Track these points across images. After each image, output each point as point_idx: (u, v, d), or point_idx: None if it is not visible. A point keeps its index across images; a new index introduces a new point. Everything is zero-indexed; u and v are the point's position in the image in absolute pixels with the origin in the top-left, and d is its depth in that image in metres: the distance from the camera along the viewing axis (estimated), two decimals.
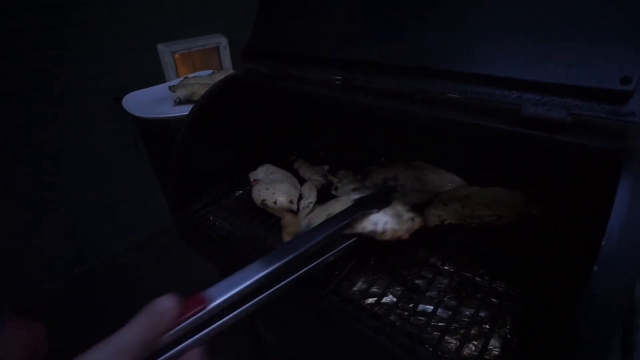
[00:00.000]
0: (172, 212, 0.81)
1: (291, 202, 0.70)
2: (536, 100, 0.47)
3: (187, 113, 0.71)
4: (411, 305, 0.55)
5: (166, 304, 0.29)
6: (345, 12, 0.65)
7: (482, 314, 0.53)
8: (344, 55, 0.63)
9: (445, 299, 0.55)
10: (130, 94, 1.15)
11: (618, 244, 0.36)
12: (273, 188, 0.70)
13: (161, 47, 1.46)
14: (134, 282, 1.61)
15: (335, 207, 0.57)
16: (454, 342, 0.49)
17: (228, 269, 0.82)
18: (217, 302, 0.32)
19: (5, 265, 1.38)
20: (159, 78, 1.48)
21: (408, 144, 0.81)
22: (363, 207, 0.54)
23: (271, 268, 0.39)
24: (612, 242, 0.36)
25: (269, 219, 0.72)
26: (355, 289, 0.59)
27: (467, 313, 0.53)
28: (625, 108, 0.42)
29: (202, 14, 1.68)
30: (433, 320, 0.52)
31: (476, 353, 0.48)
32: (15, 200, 1.37)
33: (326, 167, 0.84)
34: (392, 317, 0.53)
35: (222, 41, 1.55)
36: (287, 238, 0.63)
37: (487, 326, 0.51)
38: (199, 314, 0.31)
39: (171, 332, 0.29)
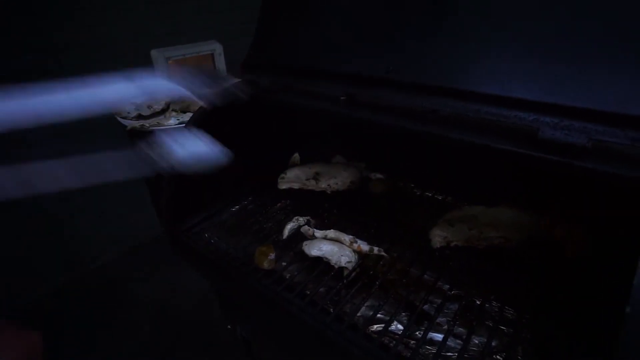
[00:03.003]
0: (164, 228, 0.77)
1: None
2: (554, 123, 0.45)
3: (182, 125, 0.67)
4: (419, 334, 0.52)
5: None
6: (351, 25, 0.62)
7: (493, 343, 0.50)
8: (350, 69, 0.60)
9: (455, 327, 0.52)
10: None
11: None
12: None
13: (155, 53, 1.41)
14: (123, 291, 1.54)
15: None
16: None
17: (222, 286, 0.78)
18: None
19: None
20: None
21: (412, 161, 0.78)
22: None
23: None
24: None
25: (267, 238, 0.69)
26: (359, 314, 0.56)
27: (477, 342, 0.50)
28: None
29: (196, 20, 1.64)
30: (443, 350, 0.49)
31: None
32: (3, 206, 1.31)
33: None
34: (400, 348, 0.50)
35: (217, 48, 1.52)
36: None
37: (499, 357, 0.48)
38: None
39: None
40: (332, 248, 0.59)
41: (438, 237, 0.62)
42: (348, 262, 0.58)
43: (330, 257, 0.59)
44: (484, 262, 0.61)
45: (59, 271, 1.58)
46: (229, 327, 0.86)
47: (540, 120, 0.46)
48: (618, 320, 0.33)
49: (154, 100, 1.10)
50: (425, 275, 0.60)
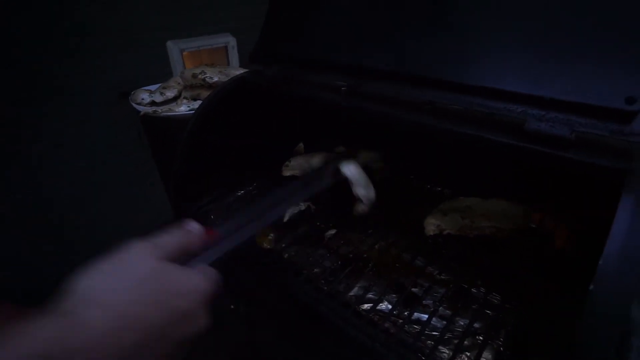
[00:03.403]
0: (173, 209, 0.82)
1: None
2: (540, 115, 0.47)
3: (192, 112, 0.72)
4: (406, 314, 0.55)
5: (194, 224, 0.36)
6: (355, 19, 0.65)
7: (476, 325, 0.53)
8: (352, 61, 0.63)
9: (441, 308, 0.55)
10: (138, 89, 1.16)
11: (616, 264, 0.36)
12: None
13: (170, 44, 1.46)
14: None
15: None
16: (447, 352, 0.49)
17: (227, 269, 0.83)
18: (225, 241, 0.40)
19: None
20: (167, 75, 1.49)
21: (411, 153, 0.81)
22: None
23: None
24: (609, 262, 0.36)
25: None
26: (351, 294, 0.59)
27: (462, 323, 0.53)
28: (629, 128, 0.43)
29: (212, 14, 1.68)
30: (427, 329, 0.52)
31: None
32: (13, 192, 1.37)
33: None
34: (387, 324, 0.53)
35: (231, 41, 1.56)
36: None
37: (481, 338, 0.51)
38: (212, 245, 0.38)
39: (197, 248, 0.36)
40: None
41: (431, 225, 0.65)
42: None
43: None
44: (474, 251, 0.63)
45: (65, 255, 1.63)
46: (232, 306, 0.90)
47: (527, 112, 0.48)
48: (583, 300, 0.36)
49: (167, 88, 1.15)
50: (417, 261, 0.63)
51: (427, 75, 0.56)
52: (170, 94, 1.13)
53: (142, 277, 0.28)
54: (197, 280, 0.32)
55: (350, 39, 0.65)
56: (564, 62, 0.46)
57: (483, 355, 0.49)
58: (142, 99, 1.11)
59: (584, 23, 0.46)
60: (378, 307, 0.56)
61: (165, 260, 0.31)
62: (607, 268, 0.36)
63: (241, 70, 1.04)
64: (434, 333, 0.52)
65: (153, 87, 1.23)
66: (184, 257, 0.34)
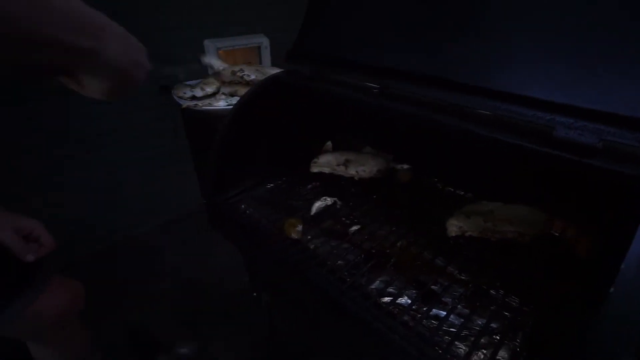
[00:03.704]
0: (205, 197, 0.87)
1: None
2: (569, 123, 0.48)
3: (230, 107, 0.76)
4: (425, 309, 0.57)
5: None
6: (386, 23, 0.68)
7: (493, 325, 0.54)
8: (382, 63, 0.66)
9: (459, 306, 0.57)
10: (180, 84, 1.24)
11: (637, 269, 0.37)
12: None
13: (207, 43, 1.54)
14: (156, 260, 1.70)
15: None
16: (464, 348, 0.51)
17: (253, 255, 0.87)
18: None
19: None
20: (202, 71, 1.57)
21: (436, 156, 0.82)
22: None
23: None
24: (631, 267, 0.37)
25: (296, 213, 0.76)
26: (372, 287, 0.62)
27: (479, 322, 0.55)
28: None
29: (246, 15, 1.75)
30: (445, 325, 0.54)
31: None
32: (58, 172, 1.50)
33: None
34: (406, 317, 0.55)
35: (264, 41, 1.62)
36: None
37: (498, 337, 0.52)
38: None
39: None
40: None
41: (454, 226, 0.66)
42: None
43: None
44: (495, 253, 0.64)
45: (101, 236, 1.75)
46: (254, 294, 0.95)
47: (556, 120, 0.49)
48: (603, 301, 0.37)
49: (207, 84, 1.22)
50: (437, 260, 0.65)
51: (454, 79, 0.58)
52: (209, 89, 1.20)
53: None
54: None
55: (381, 42, 0.67)
56: (595, 72, 0.47)
57: (499, 354, 0.50)
58: (184, 93, 1.19)
59: (616, 34, 0.47)
60: (397, 301, 0.58)
61: None
62: (628, 272, 0.37)
63: (276, 70, 1.08)
64: (452, 329, 0.54)
65: (193, 83, 1.30)
66: None
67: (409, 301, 0.58)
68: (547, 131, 0.48)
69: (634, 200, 0.44)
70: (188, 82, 1.31)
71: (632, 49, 0.45)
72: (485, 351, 0.51)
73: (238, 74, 1.14)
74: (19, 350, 0.90)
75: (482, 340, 0.52)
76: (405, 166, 0.84)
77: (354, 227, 0.72)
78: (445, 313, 0.56)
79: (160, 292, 1.52)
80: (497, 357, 0.50)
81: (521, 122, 0.51)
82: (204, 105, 1.13)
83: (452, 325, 0.55)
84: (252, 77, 1.14)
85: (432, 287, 0.61)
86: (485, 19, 0.57)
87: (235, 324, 1.35)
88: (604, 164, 0.45)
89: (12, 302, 0.72)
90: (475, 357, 0.50)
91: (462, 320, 0.55)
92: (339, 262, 0.66)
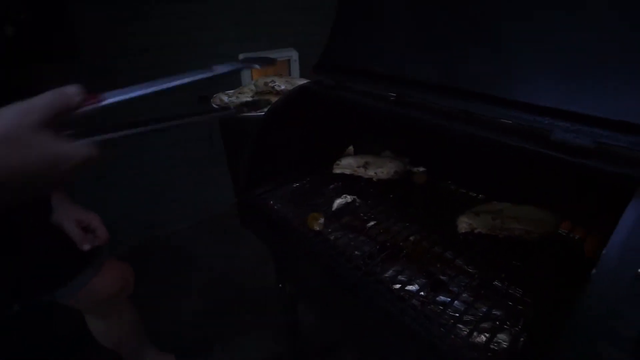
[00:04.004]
0: (237, 194, 0.97)
1: None
2: (566, 127, 0.53)
3: (262, 114, 0.86)
4: (432, 295, 0.62)
5: (72, 88, 0.36)
6: (403, 39, 0.75)
7: (496, 312, 0.59)
8: (398, 73, 0.73)
9: (464, 295, 0.62)
10: (219, 93, 1.39)
11: (617, 255, 0.42)
12: None
13: (242, 56, 1.68)
14: (189, 256, 1.83)
15: None
16: (467, 330, 0.56)
17: (279, 249, 0.96)
18: (108, 101, 0.41)
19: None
20: (236, 83, 1.72)
21: (449, 159, 0.88)
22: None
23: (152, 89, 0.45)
24: (612, 252, 0.42)
25: (319, 208, 0.84)
26: (386, 275, 0.68)
27: (483, 309, 0.59)
28: None
29: (278, 30, 1.90)
30: (449, 310, 0.60)
31: (484, 342, 0.54)
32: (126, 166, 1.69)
33: None
34: (414, 302, 0.61)
35: (294, 55, 1.74)
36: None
37: (498, 323, 0.57)
38: (94, 105, 0.39)
39: (75, 112, 0.36)
40: None
41: (464, 223, 0.71)
42: None
43: None
44: (503, 250, 0.69)
45: (137, 232, 1.91)
46: (280, 285, 1.03)
47: (554, 125, 0.54)
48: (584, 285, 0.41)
49: (242, 93, 1.34)
50: (447, 254, 0.70)
51: (464, 88, 0.64)
52: (244, 98, 1.32)
53: (14, 137, 0.32)
54: (62, 149, 0.35)
55: (398, 55, 0.75)
56: (589, 80, 0.52)
57: (500, 338, 0.55)
58: (221, 100, 1.32)
59: (610, 45, 0.52)
60: (407, 288, 0.64)
61: (37, 123, 0.33)
62: (609, 257, 0.42)
63: (304, 80, 1.18)
64: (456, 314, 0.59)
65: (229, 92, 1.44)
66: (64, 120, 0.35)
67: (418, 288, 0.64)
68: (546, 134, 0.54)
69: (623, 195, 0.48)
70: (226, 91, 1.45)
71: (624, 60, 0.50)
72: (487, 334, 0.56)
73: (270, 84, 1.26)
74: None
75: (484, 324, 0.57)
76: (421, 169, 0.90)
77: (371, 223, 0.79)
78: (450, 299, 0.61)
79: (194, 286, 1.64)
80: (498, 340, 0.55)
81: (523, 126, 0.57)
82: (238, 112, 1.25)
83: (457, 310, 0.60)
84: (282, 87, 1.24)
85: (441, 277, 0.66)
86: (492, 36, 0.63)
87: (260, 314, 1.44)
88: (597, 164, 0.50)
89: (74, 278, 0.84)
90: (477, 338, 0.55)
91: (466, 306, 0.60)
92: (355, 252, 0.73)
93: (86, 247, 0.83)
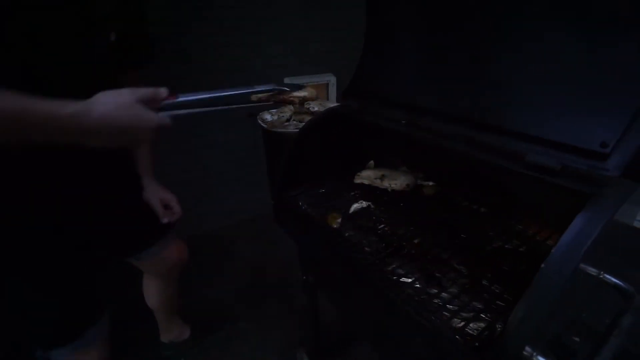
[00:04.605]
0: (274, 196, 1.15)
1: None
2: (538, 151, 0.65)
3: (298, 130, 1.04)
4: (424, 286, 0.74)
5: (161, 88, 0.63)
6: (415, 70, 0.90)
7: (476, 303, 0.69)
8: (411, 101, 0.88)
9: (452, 289, 0.73)
10: (264, 112, 1.63)
11: (563, 253, 0.52)
12: None
13: (287, 80, 1.91)
14: (229, 251, 2.05)
15: None
16: (448, 314, 0.67)
17: (303, 240, 1.11)
18: (181, 99, 0.66)
19: None
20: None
21: (454, 175, 0.99)
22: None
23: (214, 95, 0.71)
24: (559, 251, 0.52)
25: (338, 210, 0.99)
26: (388, 268, 0.81)
27: (467, 301, 0.70)
28: (603, 164, 0.58)
29: (321, 57, 2.12)
30: (437, 299, 0.71)
31: (461, 326, 0.65)
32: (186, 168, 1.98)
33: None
34: (409, 290, 0.73)
35: (332, 79, 1.94)
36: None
37: (477, 313, 0.67)
38: (172, 100, 0.65)
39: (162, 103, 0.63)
40: None
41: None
42: None
43: None
44: (494, 256, 0.79)
45: (187, 224, 2.15)
46: (304, 277, 1.18)
47: (529, 148, 0.66)
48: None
49: (282, 112, 1.56)
50: (443, 254, 0.82)
51: (462, 115, 0.77)
52: (284, 116, 1.53)
53: (122, 102, 0.58)
54: (149, 115, 0.60)
55: (411, 84, 0.90)
56: (558, 111, 0.64)
57: (477, 325, 0.65)
58: (266, 118, 1.55)
59: (575, 83, 0.63)
60: (403, 280, 0.77)
61: (137, 100, 0.59)
62: (556, 255, 0.52)
63: (335, 104, 1.37)
64: (441, 303, 0.70)
65: (273, 111, 1.67)
66: (153, 105, 0.61)
67: (413, 279, 0.76)
68: (520, 157, 0.65)
69: (580, 206, 0.58)
70: (270, 110, 1.68)
71: (588, 95, 0.61)
72: (465, 321, 0.66)
73: (305, 105, 1.46)
74: None
75: (464, 314, 0.67)
76: (431, 183, 1.01)
77: (381, 225, 0.92)
78: (438, 291, 0.72)
79: (233, 276, 1.86)
80: (475, 327, 0.65)
81: (505, 148, 0.69)
82: (278, 127, 1.46)
83: (443, 300, 0.71)
84: (316, 108, 1.44)
85: (436, 274, 0.77)
86: (486, 71, 0.76)
87: (287, 302, 1.61)
88: (562, 182, 0.61)
89: (154, 245, 1.05)
90: (457, 324, 0.66)
91: (452, 297, 0.71)
92: (365, 248, 0.87)
93: (164, 220, 1.03)
